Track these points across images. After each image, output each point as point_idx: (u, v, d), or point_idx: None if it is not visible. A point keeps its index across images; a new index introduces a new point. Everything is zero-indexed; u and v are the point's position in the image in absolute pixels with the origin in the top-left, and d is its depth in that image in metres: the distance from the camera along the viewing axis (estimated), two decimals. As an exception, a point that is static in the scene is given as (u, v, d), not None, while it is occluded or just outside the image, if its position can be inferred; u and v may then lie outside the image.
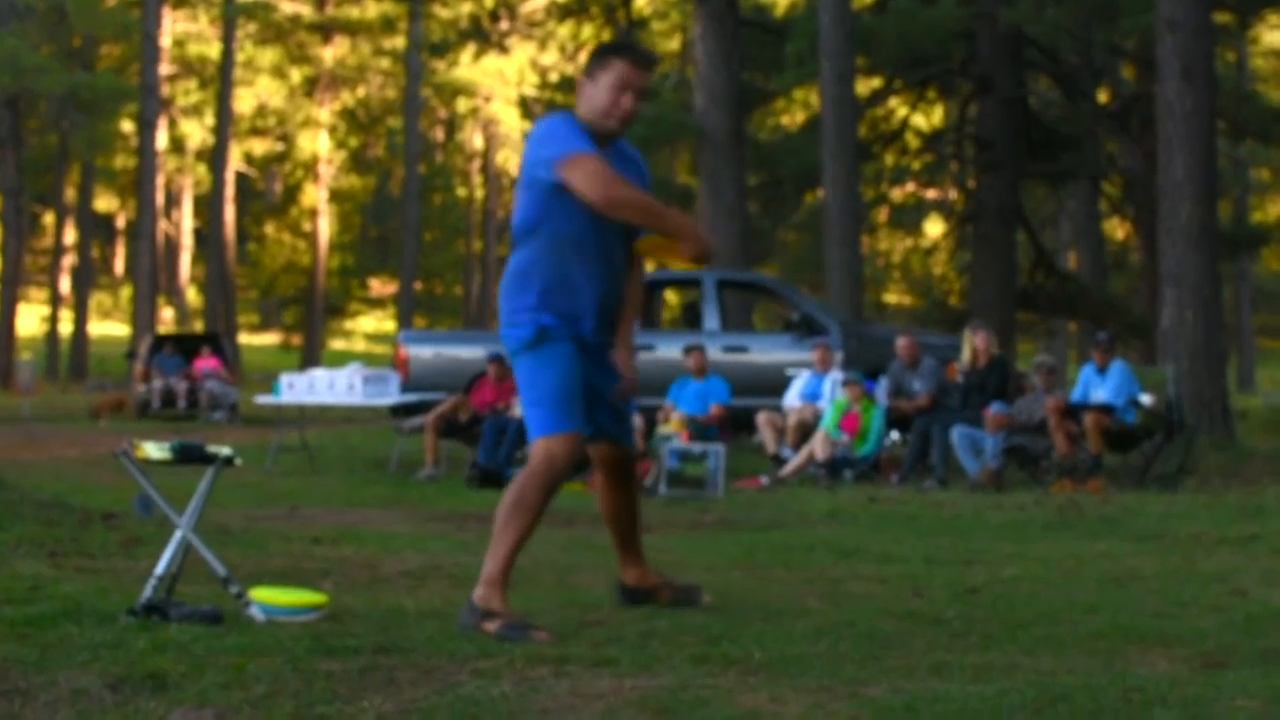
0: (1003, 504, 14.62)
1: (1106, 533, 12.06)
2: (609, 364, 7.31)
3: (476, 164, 73.95)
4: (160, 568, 7.26)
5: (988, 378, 17.92)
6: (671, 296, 50.72)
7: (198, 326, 55.84)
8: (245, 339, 60.81)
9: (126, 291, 66.04)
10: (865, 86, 31.16)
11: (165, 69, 53.76)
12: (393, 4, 41.18)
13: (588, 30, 34.69)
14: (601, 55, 7.16)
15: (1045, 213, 46.55)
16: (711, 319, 21.41)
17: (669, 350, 20.37)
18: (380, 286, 79.44)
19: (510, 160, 72.05)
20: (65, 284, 61.05)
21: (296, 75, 61.87)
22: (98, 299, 67.61)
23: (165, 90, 54.41)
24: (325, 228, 61.35)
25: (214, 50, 59.10)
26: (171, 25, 56.16)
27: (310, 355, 54.98)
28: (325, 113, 61.45)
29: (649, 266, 7.66)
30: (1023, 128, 30.55)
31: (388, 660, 6.24)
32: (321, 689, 5.70)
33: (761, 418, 18.48)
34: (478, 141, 72.35)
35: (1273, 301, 57.74)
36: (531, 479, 7.27)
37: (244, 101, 61.05)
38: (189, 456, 7.82)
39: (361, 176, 71.82)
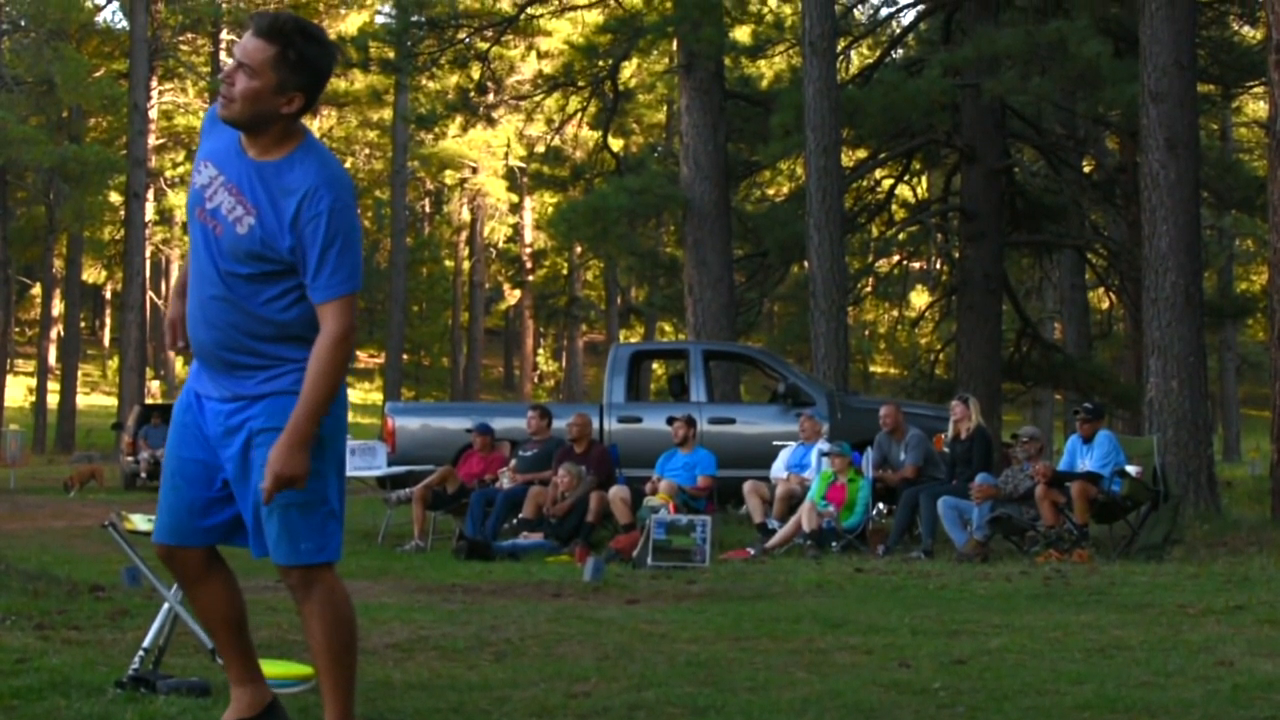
0: (989, 574, 14.63)
1: (1093, 603, 12.06)
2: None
3: (463, 236, 74.11)
4: (148, 640, 7.26)
5: (971, 449, 17.96)
6: (659, 368, 50.84)
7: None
8: (232, 410, 60.64)
9: (114, 363, 65.93)
10: (850, 158, 31.30)
11: (153, 141, 53.91)
12: (380, 76, 41.24)
13: (574, 102, 34.78)
14: None
15: (1030, 283, 46.67)
16: (698, 390, 21.46)
17: (655, 422, 20.42)
18: (367, 358, 79.47)
19: (497, 232, 72.19)
20: (53, 355, 61.06)
21: (284, 147, 62.06)
22: (85, 370, 67.56)
23: (153, 162, 54.51)
24: (313, 299, 61.35)
25: (202, 122, 59.30)
26: (159, 97, 56.33)
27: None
28: (313, 184, 61.56)
29: None
30: (1007, 198, 30.65)
31: (375, 732, 6.25)
32: (309, 761, 5.71)
33: (748, 488, 18.48)
34: (465, 213, 72.52)
35: (1258, 371, 57.73)
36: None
37: (232, 173, 61.12)
38: (177, 529, 7.82)
39: (349, 248, 71.84)
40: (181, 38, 57.20)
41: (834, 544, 17.10)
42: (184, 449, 5.64)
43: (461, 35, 32.26)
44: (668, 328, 59.82)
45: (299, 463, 5.31)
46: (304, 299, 5.41)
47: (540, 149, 49.68)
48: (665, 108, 59.24)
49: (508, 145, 61.59)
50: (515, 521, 18.27)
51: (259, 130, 5.43)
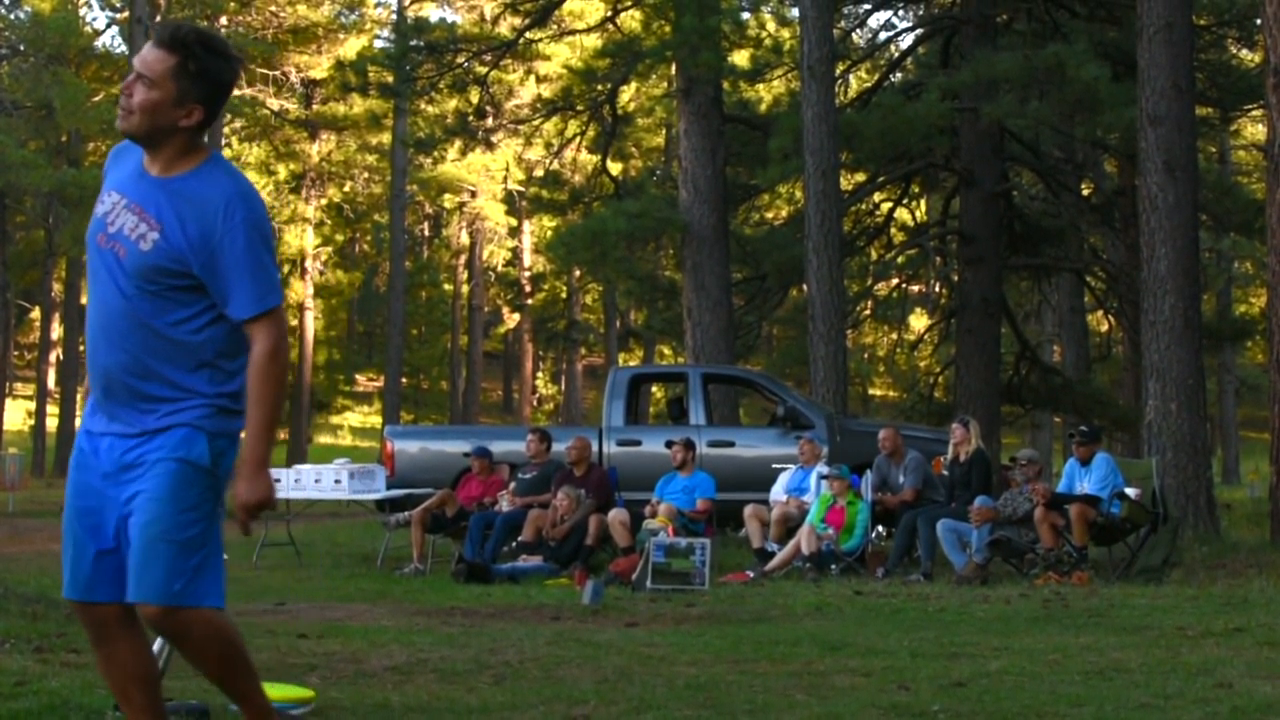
0: (988, 597, 14.62)
1: (1092, 625, 12.06)
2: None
3: (462, 259, 74.08)
4: (147, 663, 7.25)
5: (970, 471, 17.97)
6: (658, 391, 50.80)
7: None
8: (231, 434, 60.59)
9: (112, 387, 65.83)
10: (849, 181, 31.27)
11: (152, 165, 53.81)
12: (379, 101, 41.26)
13: (573, 126, 34.79)
14: None
15: (1029, 306, 46.66)
16: (697, 413, 21.46)
17: (654, 445, 20.42)
18: (366, 381, 79.41)
19: (496, 255, 72.17)
20: (52, 379, 60.99)
21: (283, 171, 62.07)
22: (84, 394, 67.56)
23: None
24: (311, 323, 61.41)
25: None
26: (158, 122, 56.34)
27: (296, 450, 54.83)
28: (312, 208, 61.58)
29: None
30: (1006, 221, 30.66)
31: (374, 755, 6.25)
32: (308, 784, 5.71)
33: (748, 512, 18.46)
34: (464, 237, 72.49)
35: (1257, 394, 57.68)
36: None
37: (230, 197, 61.06)
38: (176, 552, 7.83)
39: (348, 272, 72.01)
40: (180, 62, 57.24)
41: (833, 567, 17.10)
42: (80, 499, 5.38)
43: (460, 59, 32.26)
44: (667, 351, 59.84)
45: (263, 487, 5.27)
46: (216, 322, 5.30)
47: (539, 173, 49.76)
48: (664, 131, 59.19)
49: (506, 169, 61.53)
50: (514, 544, 18.28)
51: (158, 144, 5.34)
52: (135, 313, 5.27)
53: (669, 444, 19.26)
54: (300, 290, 61.78)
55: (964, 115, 28.24)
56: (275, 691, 7.29)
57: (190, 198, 5.26)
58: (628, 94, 41.91)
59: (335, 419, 72.95)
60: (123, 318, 5.28)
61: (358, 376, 79.15)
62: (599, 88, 32.61)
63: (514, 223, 67.88)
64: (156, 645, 7.36)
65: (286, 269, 64.39)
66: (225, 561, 5.47)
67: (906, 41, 37.67)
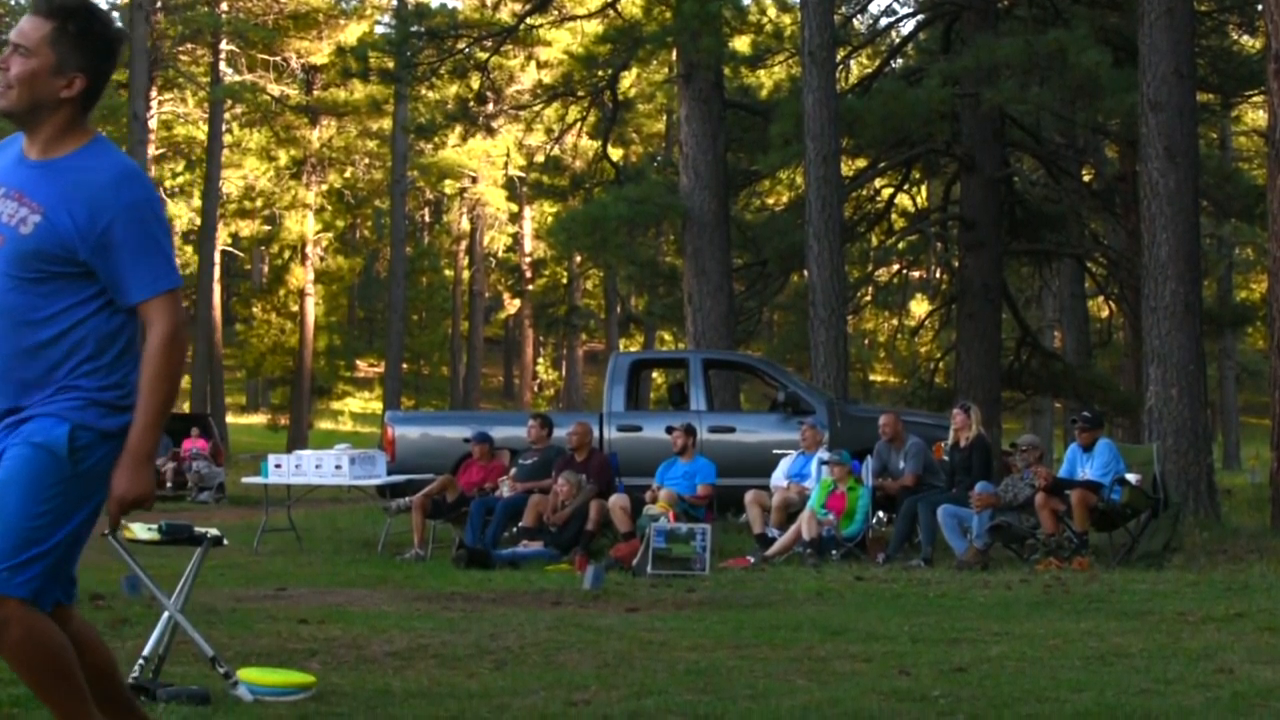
0: (989, 582, 14.63)
1: (1092, 611, 12.06)
2: None
3: (463, 245, 74.08)
4: (148, 648, 7.27)
5: (970, 457, 17.97)
6: (658, 377, 50.81)
7: (185, 407, 55.39)
8: (232, 419, 60.64)
9: (113, 373, 65.64)
10: (850, 167, 31.23)
11: (152, 150, 53.87)
12: (379, 87, 41.20)
13: (574, 112, 34.75)
14: None
15: (1030, 291, 46.65)
16: (698, 399, 21.45)
17: (655, 430, 20.41)
18: (367, 367, 79.41)
19: (496, 241, 72.19)
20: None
21: (284, 157, 61.97)
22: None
23: (153, 171, 54.45)
24: (312, 308, 61.37)
25: (201, 132, 59.25)
26: (159, 107, 56.33)
27: (297, 436, 54.78)
28: (312, 194, 61.52)
29: None
30: (1007, 207, 30.64)
31: (375, 740, 6.25)
32: (309, 769, 5.70)
33: (749, 497, 18.45)
34: (464, 223, 72.49)
35: (1257, 379, 57.66)
36: None
37: (231, 183, 61.10)
38: (177, 537, 7.87)
39: (348, 257, 71.94)
40: (181, 48, 57.17)
41: (834, 552, 17.09)
42: None
43: (461, 45, 32.21)
44: (667, 337, 59.80)
45: (143, 481, 4.93)
46: (100, 311, 5.00)
47: (540, 158, 49.71)
48: (665, 117, 59.23)
49: (507, 155, 61.54)
50: (515, 530, 18.26)
51: (40, 120, 5.04)
52: (14, 306, 4.97)
53: (669, 429, 19.26)
54: (301, 276, 61.79)
55: (965, 101, 28.20)
56: (277, 676, 7.30)
57: (76, 178, 4.99)
58: (628, 79, 41.92)
59: (336, 404, 72.99)
60: (2, 314, 4.98)
61: (358, 362, 79.16)
62: (600, 73, 32.56)
63: (515, 208, 67.95)
64: (154, 638, 7.38)
65: (287, 254, 64.41)
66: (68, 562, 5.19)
67: (908, 27, 37.70)
